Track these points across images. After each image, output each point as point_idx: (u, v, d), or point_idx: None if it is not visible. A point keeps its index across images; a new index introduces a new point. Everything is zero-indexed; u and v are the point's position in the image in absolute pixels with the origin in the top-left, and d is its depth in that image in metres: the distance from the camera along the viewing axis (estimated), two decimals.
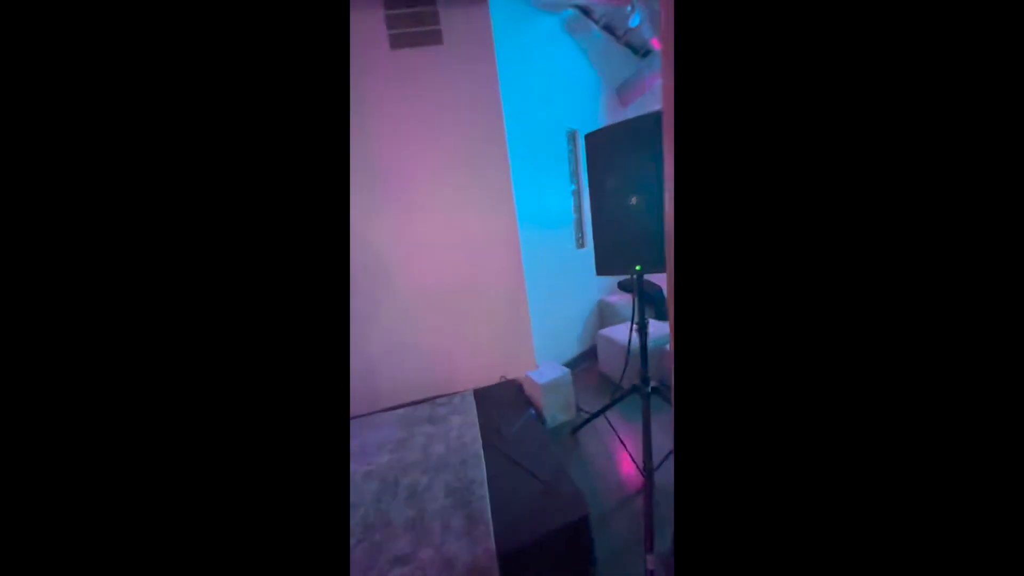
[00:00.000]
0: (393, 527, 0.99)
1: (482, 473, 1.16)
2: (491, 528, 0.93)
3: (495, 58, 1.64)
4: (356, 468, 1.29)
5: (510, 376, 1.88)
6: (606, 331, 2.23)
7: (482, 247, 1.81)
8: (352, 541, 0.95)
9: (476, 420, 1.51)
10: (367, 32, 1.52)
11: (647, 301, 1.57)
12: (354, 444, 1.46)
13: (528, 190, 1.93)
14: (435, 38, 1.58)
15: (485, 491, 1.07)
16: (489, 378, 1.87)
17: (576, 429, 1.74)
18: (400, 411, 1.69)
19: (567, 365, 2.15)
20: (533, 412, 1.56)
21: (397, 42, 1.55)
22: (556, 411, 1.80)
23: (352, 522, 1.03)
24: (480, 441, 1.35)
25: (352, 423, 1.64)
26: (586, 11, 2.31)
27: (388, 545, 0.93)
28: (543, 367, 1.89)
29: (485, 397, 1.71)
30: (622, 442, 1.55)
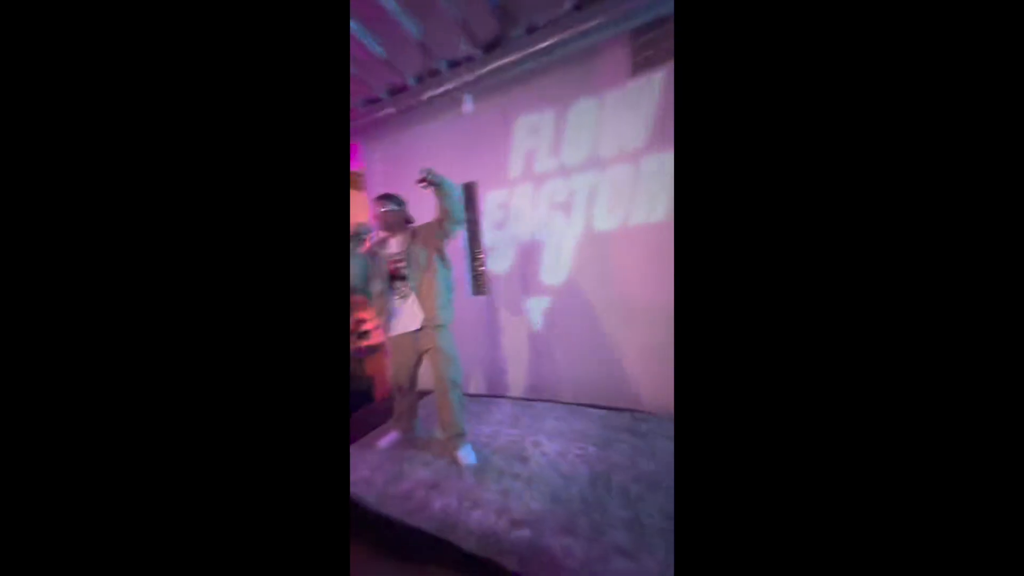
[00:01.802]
0: (612, 515, 1.07)
1: None
2: None
3: None
4: (568, 446, 1.49)
5: None
6: None
7: None
8: (574, 507, 1.11)
9: None
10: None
11: None
12: (559, 424, 1.68)
13: None
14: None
15: None
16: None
17: None
18: (599, 411, 1.79)
19: None
20: None
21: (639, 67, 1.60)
22: None
23: (572, 491, 1.19)
24: None
25: (556, 406, 1.90)
26: None
27: (609, 531, 1.01)
28: None
29: None
30: None
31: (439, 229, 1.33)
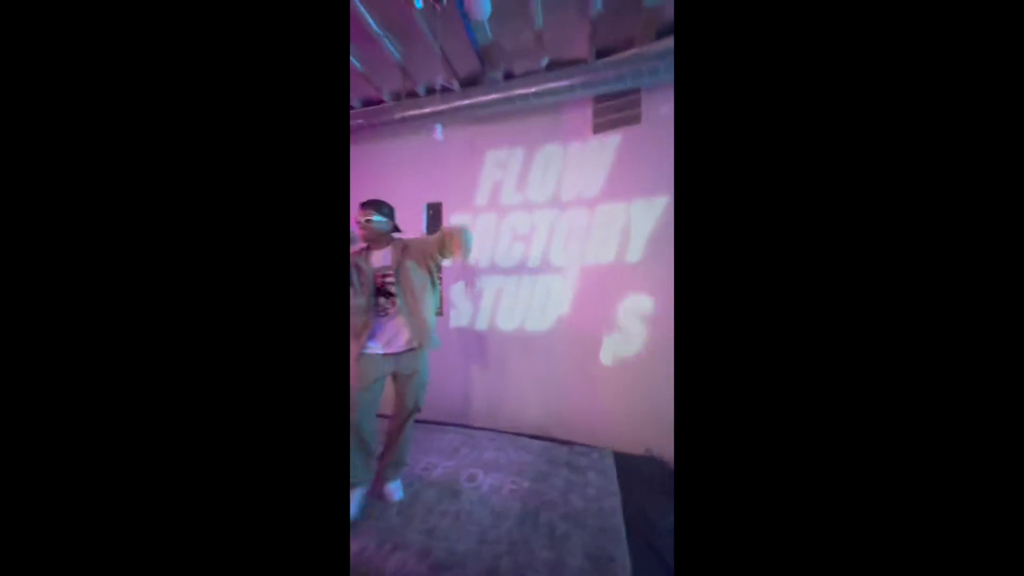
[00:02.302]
0: (535, 557, 1.06)
1: (623, 553, 1.07)
2: None
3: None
4: (503, 480, 1.47)
5: (656, 452, 1.68)
6: None
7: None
8: (499, 549, 1.09)
9: (617, 488, 1.42)
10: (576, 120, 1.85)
11: None
12: (498, 456, 1.66)
13: None
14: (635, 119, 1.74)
15: None
16: (631, 445, 1.73)
17: None
18: (540, 443, 1.80)
19: None
20: None
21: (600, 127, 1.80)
22: None
23: (500, 529, 1.17)
24: (620, 515, 1.26)
25: (498, 435, 1.88)
26: None
27: (529, 574, 1.00)
28: None
29: (626, 466, 1.59)
30: None
31: (441, 251, 1.20)
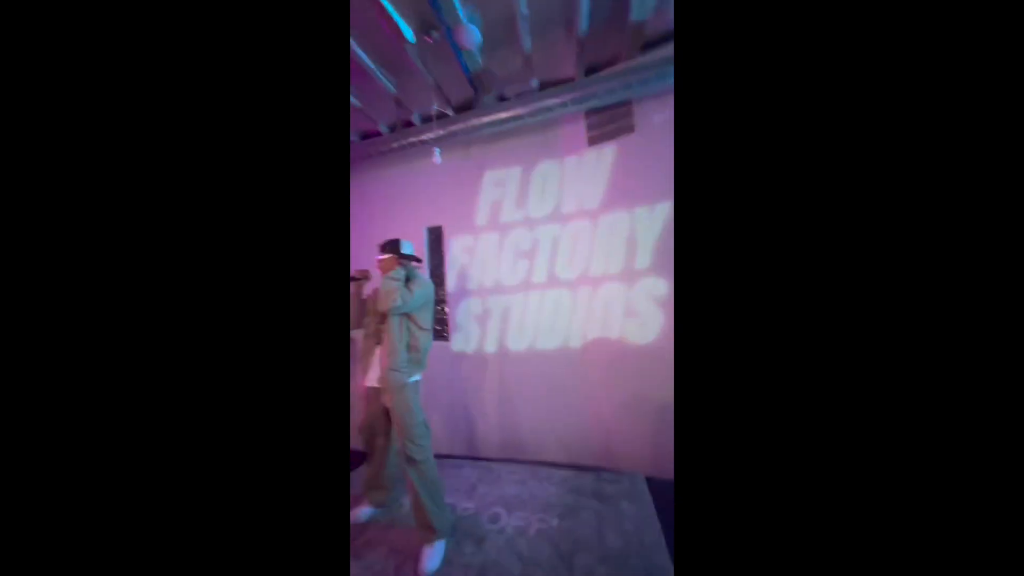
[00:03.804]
0: None
1: None
2: None
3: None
4: (529, 518, 1.33)
5: None
6: None
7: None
8: None
9: (656, 518, 1.28)
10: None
11: None
12: (520, 491, 1.52)
13: None
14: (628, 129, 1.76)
15: None
16: (664, 468, 1.59)
17: None
18: (563, 472, 1.66)
19: None
20: None
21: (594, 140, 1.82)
22: None
23: None
24: (666, 551, 1.12)
25: (517, 466, 1.74)
26: None
27: None
28: None
29: (662, 492, 1.44)
30: None
31: (379, 305, 1.26)
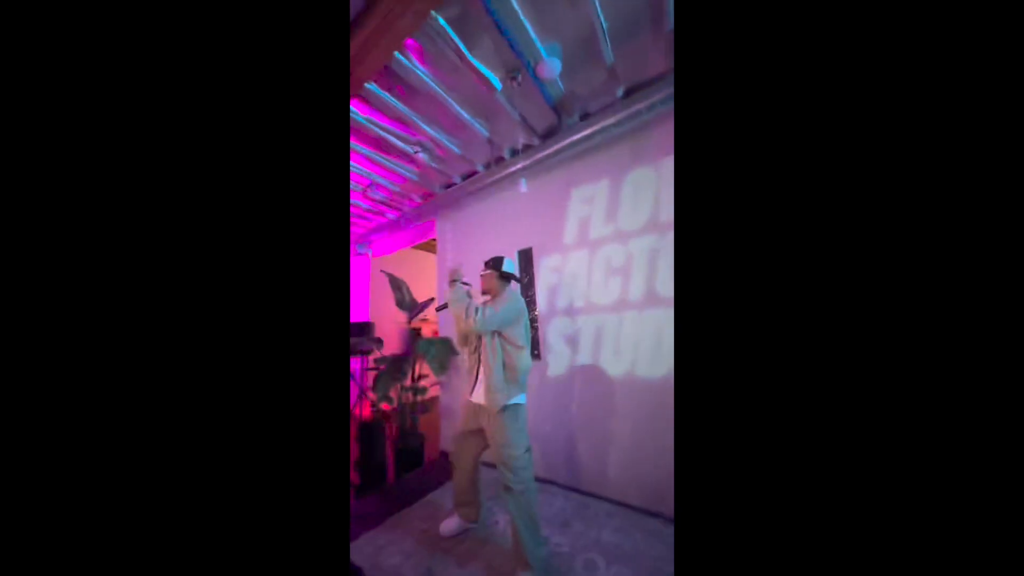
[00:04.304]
0: None
1: None
2: None
3: None
4: None
5: None
6: None
7: None
8: None
9: None
10: None
11: None
12: (621, 541, 1.32)
13: None
14: None
15: None
16: None
17: None
18: (666, 526, 1.37)
19: None
20: None
21: None
22: None
23: None
24: None
25: (616, 509, 1.53)
26: None
27: None
28: None
29: None
30: None
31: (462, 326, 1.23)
